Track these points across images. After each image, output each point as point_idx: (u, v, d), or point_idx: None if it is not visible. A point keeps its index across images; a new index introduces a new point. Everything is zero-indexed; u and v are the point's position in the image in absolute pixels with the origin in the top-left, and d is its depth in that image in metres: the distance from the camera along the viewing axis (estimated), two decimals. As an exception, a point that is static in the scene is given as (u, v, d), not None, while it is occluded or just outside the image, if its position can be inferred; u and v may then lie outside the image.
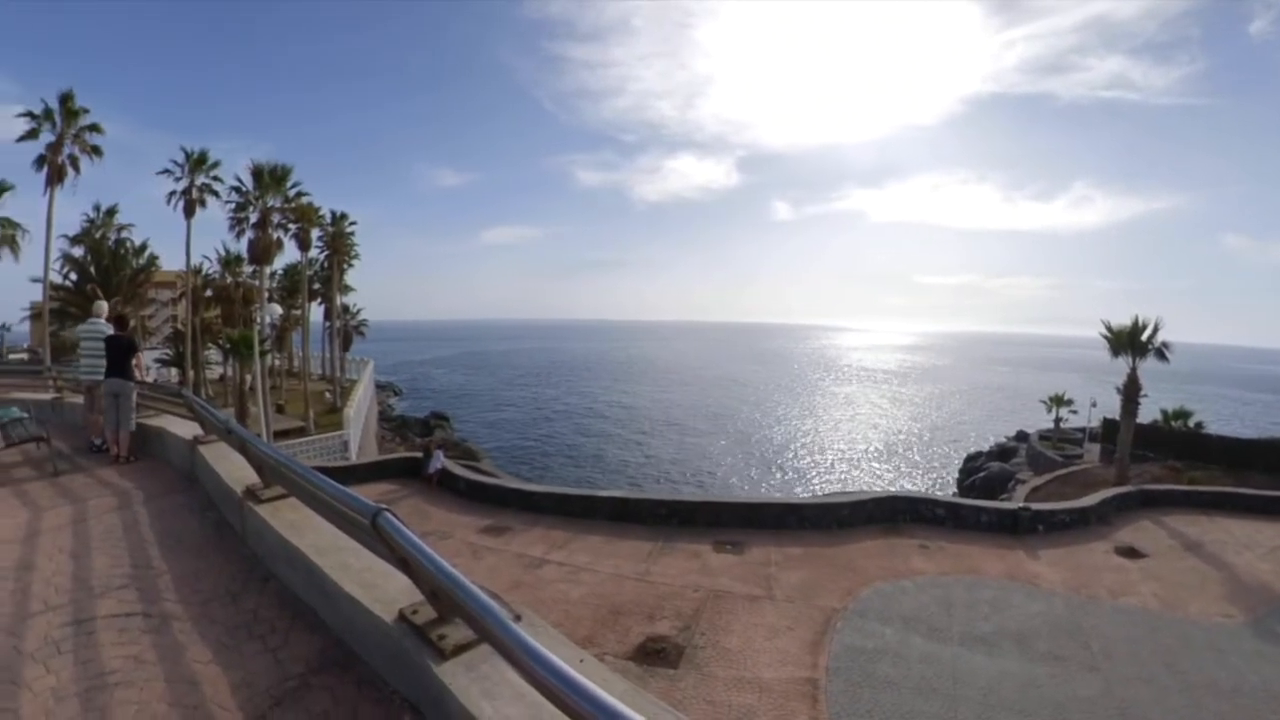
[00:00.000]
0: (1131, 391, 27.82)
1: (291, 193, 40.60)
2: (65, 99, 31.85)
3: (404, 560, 2.77)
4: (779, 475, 50.79)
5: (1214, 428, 39.48)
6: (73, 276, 35.54)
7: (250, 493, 5.48)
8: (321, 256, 48.67)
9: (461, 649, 2.71)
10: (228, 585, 4.78)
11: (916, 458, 57.75)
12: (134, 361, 9.83)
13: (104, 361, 9.83)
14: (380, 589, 3.35)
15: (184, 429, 9.04)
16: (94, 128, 32.82)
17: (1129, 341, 28.12)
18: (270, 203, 39.61)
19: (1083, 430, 40.85)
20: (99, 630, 4.13)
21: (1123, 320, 28.37)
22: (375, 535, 2.78)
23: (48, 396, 14.28)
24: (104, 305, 11.23)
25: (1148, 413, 32.69)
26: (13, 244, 33.90)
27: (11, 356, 38.80)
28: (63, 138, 32.05)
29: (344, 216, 47.97)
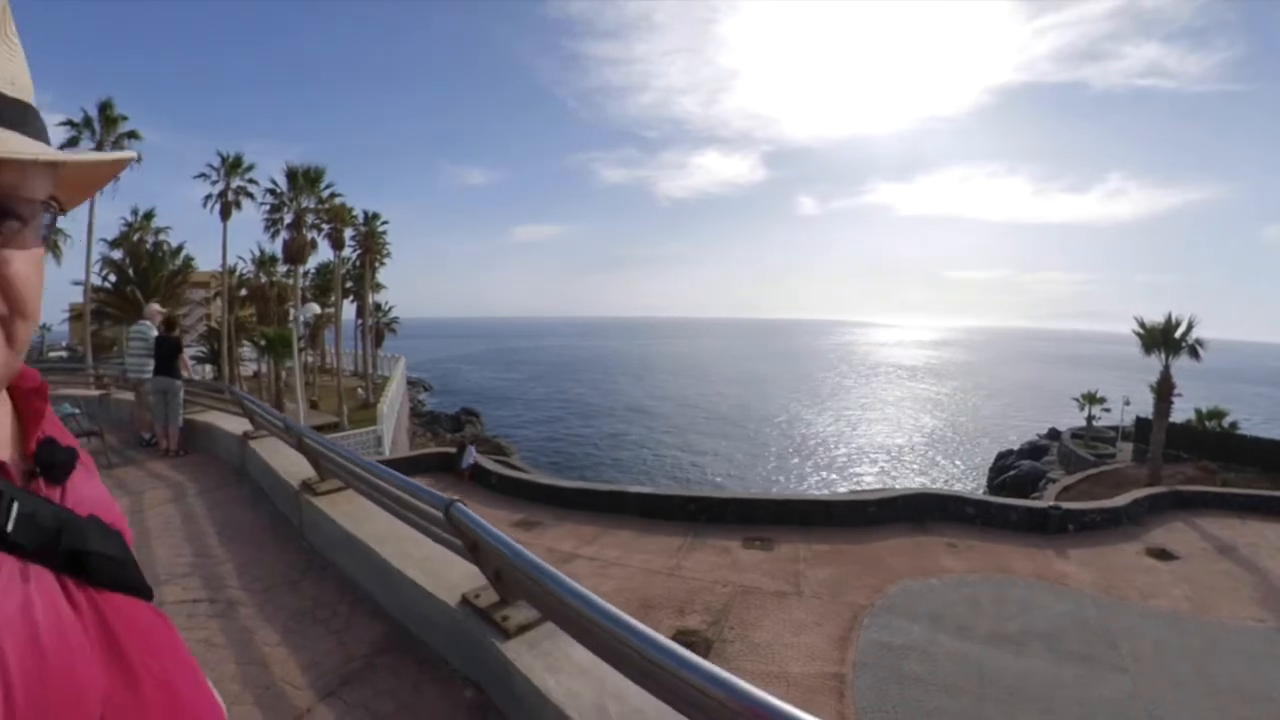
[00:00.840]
0: (1164, 390, 27.35)
1: (325, 194, 41.25)
2: (104, 107, 32.76)
3: (474, 545, 2.99)
4: (807, 472, 50.71)
5: (1250, 428, 38.77)
6: (112, 278, 36.50)
7: (307, 486, 5.78)
8: (354, 255, 49.36)
9: (524, 629, 2.94)
10: (287, 574, 5.07)
11: (946, 455, 57.32)
12: (180, 360, 10.29)
13: (151, 360, 10.32)
14: (441, 575, 3.59)
15: (232, 424, 9.40)
16: (132, 134, 33.69)
17: (1162, 338, 27.62)
18: (305, 204, 40.28)
19: (1115, 429, 40.33)
20: (168, 616, 4.42)
21: (1157, 316, 28.02)
22: (448, 523, 2.98)
23: (96, 393, 14.80)
24: (154, 308, 11.71)
25: (1182, 412, 32.24)
26: (55, 248, 34.95)
27: (50, 354, 39.89)
28: (102, 144, 32.90)
29: (376, 216, 48.59)
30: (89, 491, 0.75)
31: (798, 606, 10.55)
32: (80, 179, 0.71)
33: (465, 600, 3.24)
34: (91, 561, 0.65)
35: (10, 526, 0.58)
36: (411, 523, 3.71)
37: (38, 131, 0.59)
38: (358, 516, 4.68)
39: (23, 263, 0.58)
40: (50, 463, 0.69)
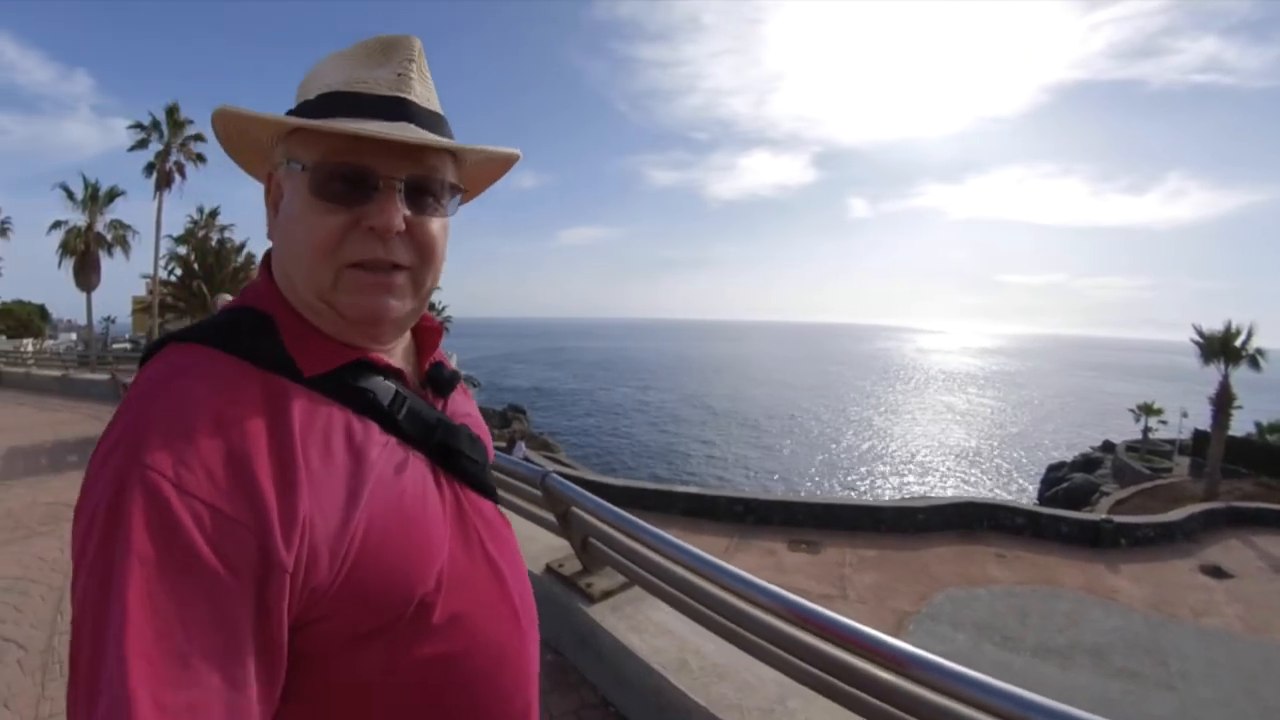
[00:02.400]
0: (1223, 401, 26.28)
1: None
2: (170, 111, 33.86)
3: (565, 514, 3.20)
4: (854, 477, 50.30)
5: (1317, 445, 37.46)
6: (178, 273, 37.77)
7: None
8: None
9: (608, 594, 3.20)
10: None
11: (996, 465, 56.30)
12: None
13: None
14: (524, 547, 3.82)
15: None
16: (197, 137, 34.73)
17: (1221, 347, 26.59)
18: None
19: (1172, 442, 39.22)
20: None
21: (1216, 324, 26.62)
22: (542, 493, 3.20)
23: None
24: (226, 298, 12.26)
25: (1242, 425, 31.28)
26: (124, 244, 36.36)
27: (115, 346, 41.34)
28: (169, 147, 34.06)
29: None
30: (464, 408, 0.97)
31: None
32: (479, 171, 0.94)
33: (549, 569, 3.47)
34: (457, 458, 0.85)
35: (401, 415, 0.79)
36: (498, 498, 3.98)
37: (447, 134, 0.83)
38: None
39: (435, 227, 0.80)
40: (437, 380, 0.91)
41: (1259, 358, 26.58)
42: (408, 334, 0.93)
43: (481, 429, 0.99)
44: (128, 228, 36.52)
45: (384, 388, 0.80)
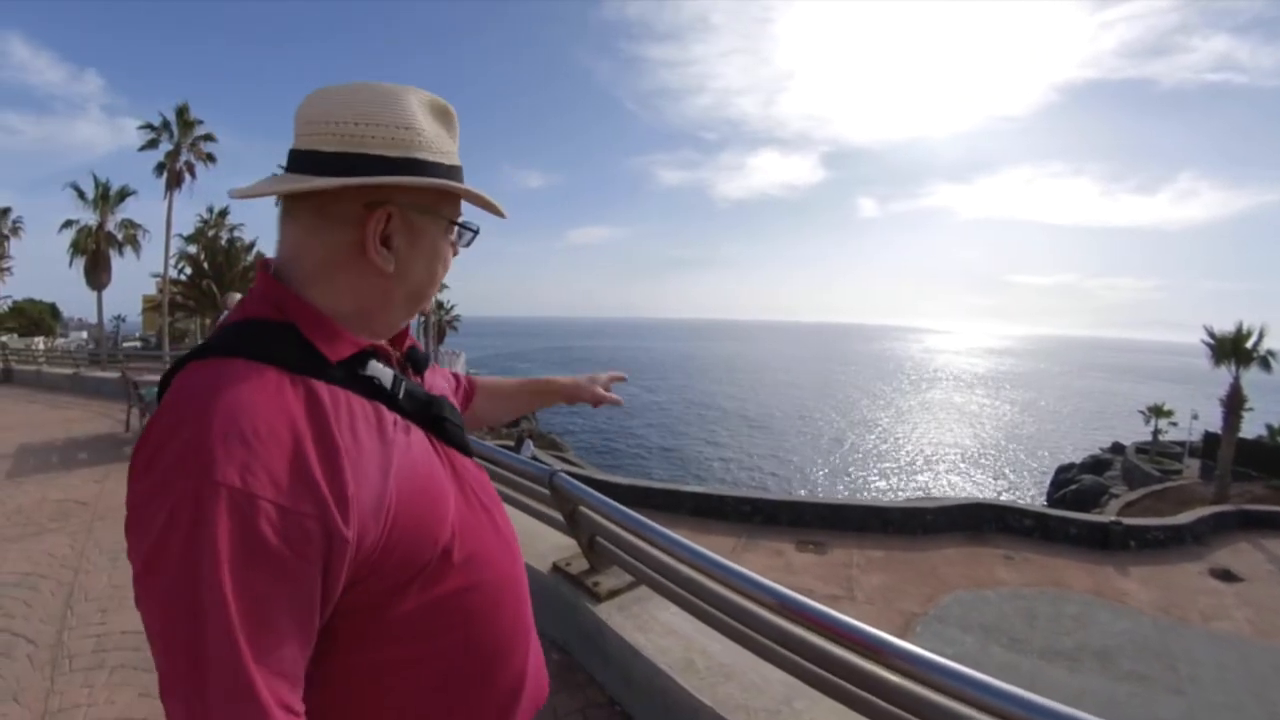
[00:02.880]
0: (1234, 403, 26.12)
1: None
2: (181, 112, 34.10)
3: (572, 513, 3.19)
4: (861, 478, 50.23)
5: (1328, 447, 37.19)
6: (187, 272, 37.95)
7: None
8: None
9: (615, 593, 3.19)
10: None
11: (1004, 467, 56.09)
12: None
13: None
14: (531, 546, 3.84)
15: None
16: (207, 137, 34.97)
17: (1232, 349, 26.48)
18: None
19: (1182, 444, 38.99)
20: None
21: (1227, 325, 26.76)
22: (550, 492, 3.18)
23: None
24: (235, 296, 12.31)
25: (1252, 427, 31.10)
26: (134, 243, 36.58)
27: (125, 344, 41.52)
28: (179, 147, 34.32)
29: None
30: (437, 380, 1.17)
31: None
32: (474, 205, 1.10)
33: (556, 568, 3.47)
34: (446, 426, 1.00)
35: (401, 396, 0.92)
36: (504, 496, 3.93)
37: (460, 180, 0.97)
38: None
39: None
40: (415, 359, 1.06)
41: (1270, 359, 26.42)
42: None
43: (452, 397, 1.19)
44: (138, 227, 36.76)
45: (385, 373, 0.92)
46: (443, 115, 0.97)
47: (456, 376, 1.49)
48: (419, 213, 0.93)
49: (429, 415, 0.98)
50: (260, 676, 0.68)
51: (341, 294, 0.90)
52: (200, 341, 0.96)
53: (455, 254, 1.03)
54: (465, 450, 1.04)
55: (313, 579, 0.73)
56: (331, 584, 0.75)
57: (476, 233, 1.03)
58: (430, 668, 0.89)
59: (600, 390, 1.69)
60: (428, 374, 1.13)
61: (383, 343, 0.98)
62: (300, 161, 0.88)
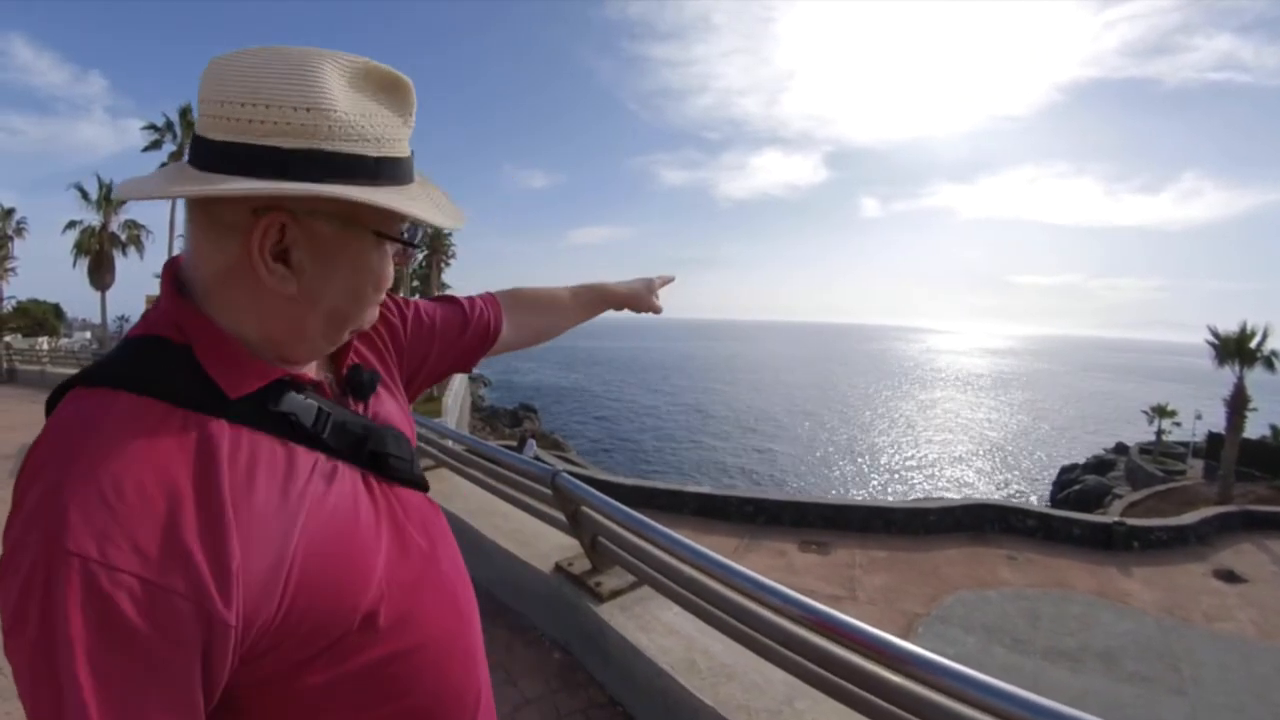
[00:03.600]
0: (1238, 404, 26.01)
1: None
2: (184, 113, 34.16)
3: (574, 514, 3.19)
4: (864, 479, 50.19)
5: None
6: (189, 273, 38.06)
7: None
8: (421, 256, 50.55)
9: (617, 593, 3.18)
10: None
11: (1007, 467, 55.96)
12: None
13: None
14: (533, 546, 3.84)
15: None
16: (210, 139, 35.21)
17: (1236, 349, 26.44)
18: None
19: (1186, 444, 38.91)
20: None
21: (1231, 325, 26.45)
22: (552, 492, 3.18)
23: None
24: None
25: (1256, 428, 31.02)
26: (138, 244, 36.81)
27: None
28: (183, 147, 34.32)
29: (444, 215, 49.55)
30: (387, 405, 0.95)
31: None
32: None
33: (558, 568, 3.47)
34: (388, 461, 0.85)
35: (326, 434, 0.78)
36: (506, 496, 3.95)
37: (400, 173, 0.81)
38: (449, 493, 4.90)
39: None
40: (357, 383, 0.89)
41: (1274, 359, 26.36)
42: None
43: (404, 421, 0.98)
44: (141, 227, 37.00)
45: (305, 407, 0.78)
46: (382, 88, 0.76)
47: (462, 299, 1.28)
48: (328, 220, 0.74)
49: (364, 452, 0.84)
50: None
51: (241, 315, 0.75)
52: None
53: (406, 264, 0.85)
54: (413, 484, 0.91)
55: (187, 664, 0.60)
56: (215, 671, 0.63)
57: (417, 244, 0.83)
58: None
59: (654, 299, 1.59)
60: (380, 396, 0.95)
61: (306, 371, 0.84)
62: (193, 150, 0.73)
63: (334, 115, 0.70)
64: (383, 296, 0.85)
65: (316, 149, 0.69)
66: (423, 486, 0.93)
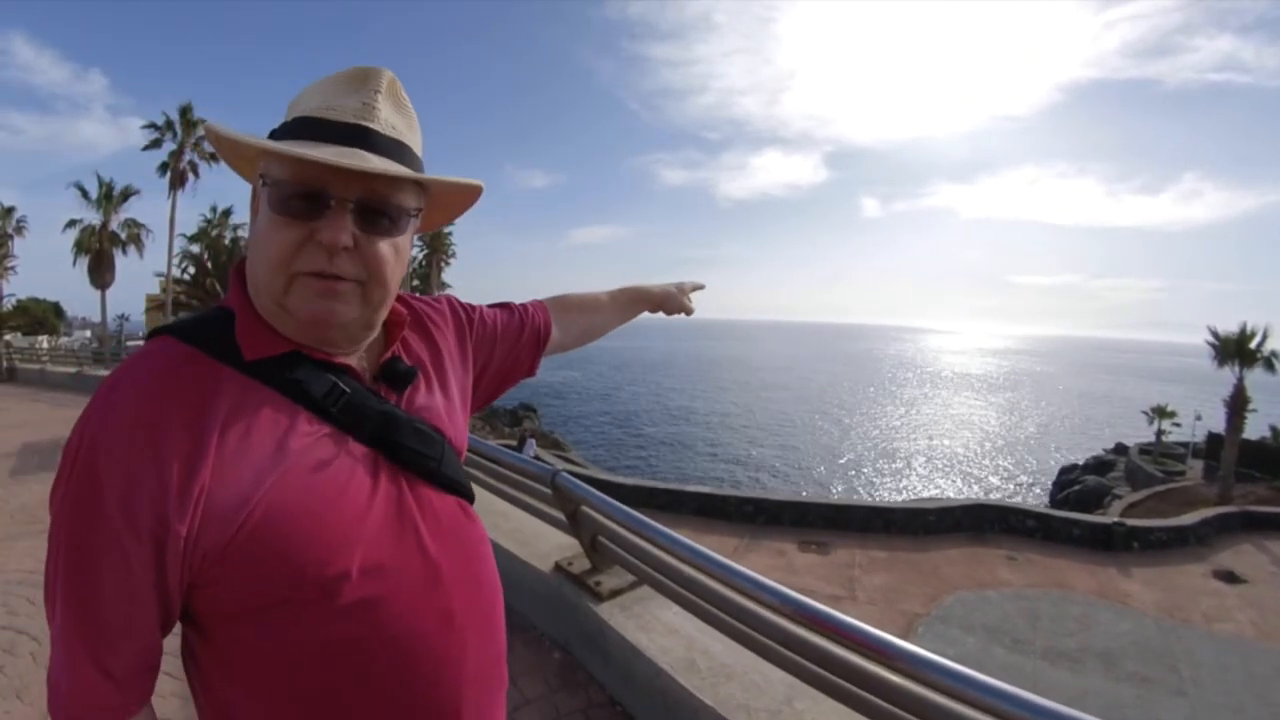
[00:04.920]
0: (1237, 405, 25.98)
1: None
2: (184, 111, 34.18)
3: (574, 513, 3.18)
4: (864, 478, 50.17)
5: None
6: (191, 271, 38.08)
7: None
8: (421, 255, 50.45)
9: (616, 593, 3.17)
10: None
11: (1007, 468, 55.96)
12: None
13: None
14: (532, 545, 3.84)
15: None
16: (210, 136, 35.08)
17: (1236, 350, 26.44)
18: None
19: (1185, 445, 38.89)
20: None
21: (1231, 326, 26.47)
22: (552, 491, 3.17)
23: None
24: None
25: (1256, 428, 31.01)
26: (138, 242, 36.76)
27: (129, 343, 41.68)
28: (183, 146, 34.42)
29: (446, 218, 49.42)
30: (425, 400, 0.99)
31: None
32: (450, 198, 1.01)
33: (558, 567, 3.46)
34: (401, 451, 0.88)
35: (336, 407, 0.85)
36: (506, 496, 3.94)
37: (410, 162, 0.86)
38: None
39: (385, 247, 0.85)
40: (392, 373, 0.95)
41: (1274, 360, 26.36)
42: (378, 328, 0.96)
43: (443, 421, 1.01)
44: (142, 226, 36.94)
45: (319, 379, 0.86)
46: (351, 78, 0.87)
47: (515, 305, 1.34)
48: (262, 183, 0.83)
49: (367, 430, 0.87)
50: (80, 640, 0.76)
51: (248, 278, 0.89)
52: None
53: (290, 217, 0.80)
54: (443, 484, 0.93)
55: (142, 552, 0.73)
56: (167, 571, 0.75)
57: (297, 197, 0.81)
58: (292, 713, 0.81)
59: (686, 300, 1.68)
60: (419, 390, 0.99)
61: (341, 356, 0.89)
62: None
63: (300, 101, 0.87)
64: (284, 273, 0.82)
65: (283, 123, 0.86)
66: (458, 490, 0.97)
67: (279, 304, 0.84)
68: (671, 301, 1.64)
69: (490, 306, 1.30)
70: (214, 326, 0.85)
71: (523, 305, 1.36)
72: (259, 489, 0.76)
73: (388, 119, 0.86)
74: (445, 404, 1.04)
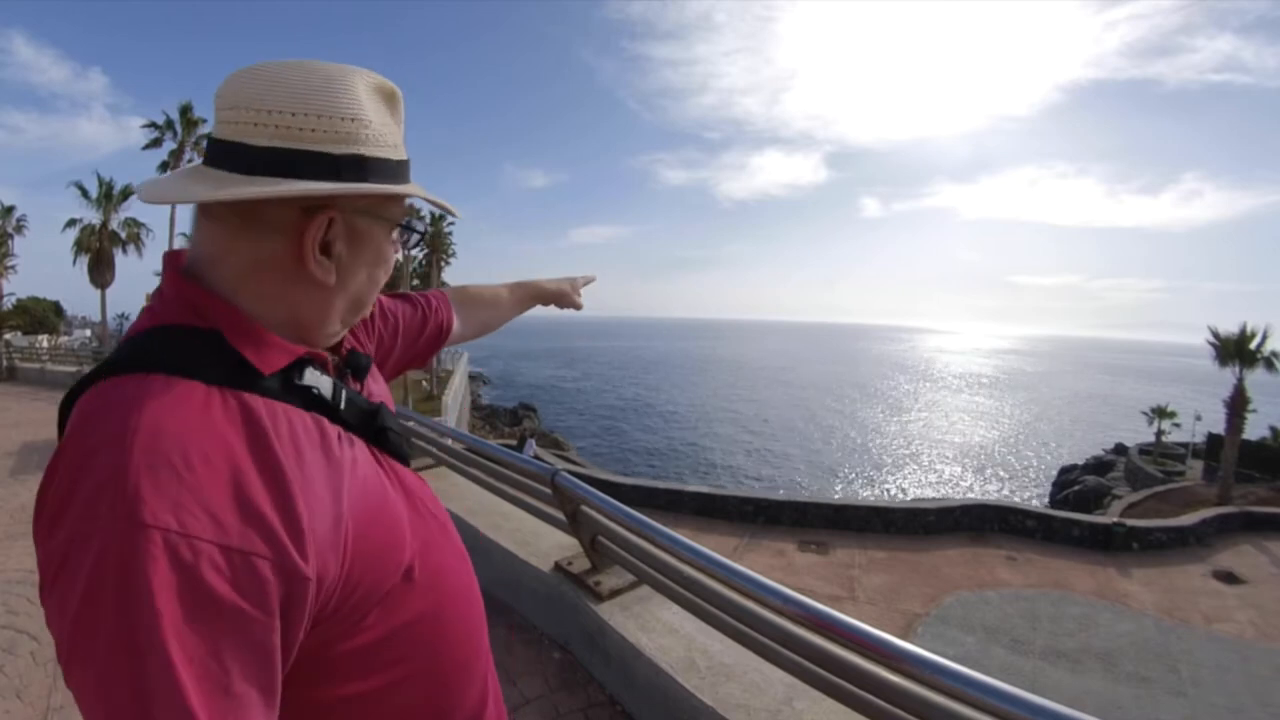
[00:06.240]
0: (1238, 405, 25.92)
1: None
2: (184, 110, 34.09)
3: (574, 513, 3.16)
4: (863, 478, 50.15)
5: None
6: (190, 271, 38.11)
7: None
8: (420, 255, 50.44)
9: (616, 593, 3.17)
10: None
11: (1006, 468, 55.89)
12: None
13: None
14: (533, 545, 3.84)
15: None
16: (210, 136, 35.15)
17: (1236, 350, 26.41)
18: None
19: (1185, 445, 38.87)
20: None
21: (1232, 326, 26.76)
22: (552, 491, 3.15)
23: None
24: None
25: (1256, 429, 31.00)
26: (138, 242, 36.74)
27: (126, 343, 41.69)
28: (183, 145, 34.28)
29: (442, 217, 49.33)
30: (377, 386, 1.03)
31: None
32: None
33: (558, 567, 3.46)
34: (388, 437, 0.91)
35: (342, 406, 0.84)
36: (507, 495, 3.93)
37: (407, 174, 0.89)
38: (448, 493, 4.89)
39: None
40: (356, 365, 0.95)
41: (1275, 360, 26.33)
42: None
43: (389, 400, 1.07)
44: (142, 225, 36.93)
45: (324, 382, 0.84)
46: (389, 99, 0.85)
47: (419, 297, 1.37)
48: (362, 216, 0.82)
49: (372, 426, 0.89)
50: None
51: (273, 303, 0.80)
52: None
53: (398, 253, 0.91)
54: (403, 458, 0.95)
55: (271, 630, 0.62)
56: (293, 632, 0.65)
57: (424, 235, 0.93)
58: (390, 702, 0.82)
59: (577, 296, 1.70)
60: (371, 378, 1.02)
61: (318, 350, 0.87)
62: (223, 154, 0.76)
63: (372, 125, 0.80)
64: (385, 281, 0.91)
65: (359, 154, 0.78)
66: (407, 460, 0.98)
67: (331, 325, 0.86)
68: (564, 297, 1.68)
69: (391, 298, 1.31)
70: (194, 350, 0.73)
71: (425, 298, 1.38)
72: (342, 504, 0.73)
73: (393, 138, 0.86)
74: (385, 388, 1.10)
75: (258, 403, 0.72)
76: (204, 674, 0.56)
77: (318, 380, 0.82)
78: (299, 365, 0.81)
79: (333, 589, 0.70)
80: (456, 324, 1.43)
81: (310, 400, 0.80)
